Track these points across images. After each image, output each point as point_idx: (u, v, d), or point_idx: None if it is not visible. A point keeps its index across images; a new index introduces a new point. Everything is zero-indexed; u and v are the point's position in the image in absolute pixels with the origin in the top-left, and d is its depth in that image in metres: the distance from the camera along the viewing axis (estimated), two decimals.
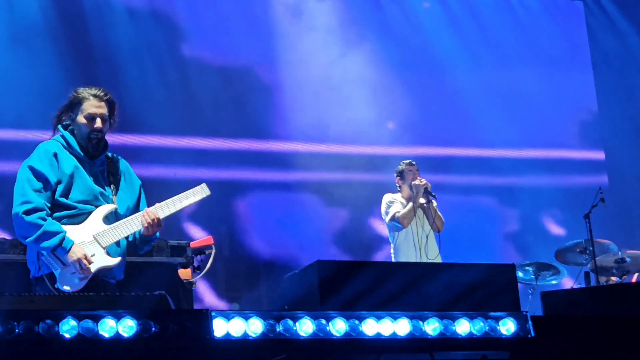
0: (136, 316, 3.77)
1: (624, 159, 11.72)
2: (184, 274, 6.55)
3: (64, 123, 5.06)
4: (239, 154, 10.22)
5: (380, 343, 4.11)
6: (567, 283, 9.56)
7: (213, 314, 3.89)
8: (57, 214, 4.85)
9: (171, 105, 9.93)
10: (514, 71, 11.54)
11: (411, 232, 7.98)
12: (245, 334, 3.93)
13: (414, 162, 8.23)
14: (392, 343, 4.13)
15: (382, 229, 9.46)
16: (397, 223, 7.98)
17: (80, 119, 4.99)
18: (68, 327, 3.68)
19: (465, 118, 11.18)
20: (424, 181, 8.03)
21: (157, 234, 5.10)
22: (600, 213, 8.78)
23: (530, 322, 4.31)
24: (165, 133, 9.87)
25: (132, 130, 9.38)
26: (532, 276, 8.95)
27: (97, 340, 3.70)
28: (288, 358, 4.02)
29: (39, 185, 4.85)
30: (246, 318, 3.94)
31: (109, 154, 5.14)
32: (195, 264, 6.72)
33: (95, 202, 4.95)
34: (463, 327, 4.23)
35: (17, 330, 3.62)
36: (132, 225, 4.98)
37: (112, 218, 4.98)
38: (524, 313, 4.34)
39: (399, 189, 8.25)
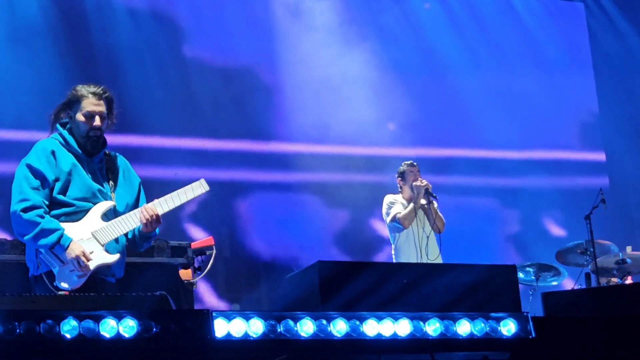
0: (137, 316, 3.77)
1: (625, 160, 11.72)
2: (185, 274, 6.55)
3: (61, 121, 5.05)
4: (239, 154, 10.23)
5: (381, 344, 4.11)
6: (568, 284, 9.56)
7: (214, 314, 3.89)
8: (55, 212, 4.84)
9: (172, 105, 9.93)
10: (514, 72, 11.55)
11: (412, 233, 7.98)
12: (246, 335, 3.92)
13: (415, 163, 8.23)
14: (392, 343, 4.12)
15: (383, 229, 9.46)
16: (398, 224, 7.99)
17: (79, 116, 4.98)
18: (69, 328, 3.68)
19: (465, 119, 11.18)
20: (424, 182, 8.03)
21: (157, 231, 5.08)
22: (601, 214, 8.78)
23: (531, 323, 4.30)
24: (166, 133, 9.87)
25: (133, 130, 9.38)
26: (533, 277, 8.95)
27: (98, 341, 3.70)
28: (289, 358, 4.02)
29: (36, 183, 4.84)
30: (247, 318, 3.94)
31: (108, 151, 5.13)
32: (196, 265, 6.71)
33: (93, 199, 4.94)
34: (464, 327, 4.23)
35: (18, 331, 3.62)
36: (131, 221, 4.96)
37: (110, 215, 4.96)
38: (525, 314, 4.34)
39: (400, 189, 8.25)
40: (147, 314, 3.80)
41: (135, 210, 5.00)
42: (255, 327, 3.94)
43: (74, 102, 5.00)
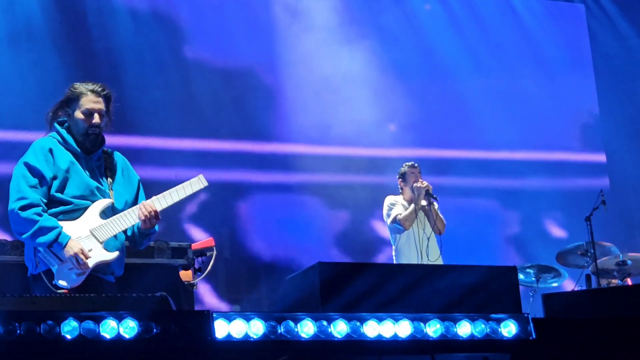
0: (137, 317, 3.77)
1: (625, 161, 11.72)
2: (185, 275, 6.54)
3: (59, 120, 5.04)
4: (239, 155, 10.22)
5: (381, 345, 4.11)
6: (568, 285, 9.56)
7: (214, 315, 3.89)
8: (53, 210, 4.83)
9: (172, 106, 9.93)
10: (515, 73, 11.55)
11: (412, 234, 7.98)
12: (247, 335, 3.92)
13: (416, 165, 8.23)
14: (393, 345, 4.12)
15: (383, 230, 9.46)
16: (399, 225, 7.99)
17: (78, 114, 4.97)
18: (69, 328, 3.68)
19: (466, 120, 11.19)
20: (425, 183, 8.03)
21: (156, 228, 5.06)
22: (602, 215, 8.78)
23: (531, 324, 4.30)
24: (166, 134, 9.87)
25: (133, 131, 9.40)
26: (533, 278, 8.95)
27: (98, 341, 3.70)
28: (289, 359, 4.02)
29: (34, 181, 4.83)
30: (247, 319, 3.94)
31: (106, 149, 5.12)
32: (197, 266, 6.71)
33: (91, 197, 4.93)
34: (464, 328, 4.23)
35: (18, 331, 3.62)
36: (129, 218, 4.95)
37: (109, 213, 4.95)
38: (525, 315, 4.34)
39: (400, 191, 8.25)
40: (148, 315, 3.79)
41: (134, 207, 4.99)
42: (256, 328, 3.94)
43: (73, 100, 5.00)
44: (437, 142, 11.06)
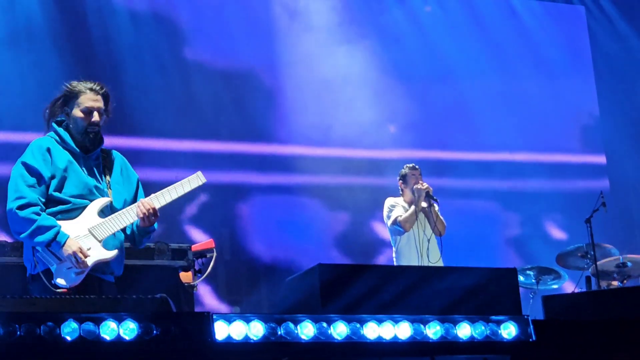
0: (137, 319, 3.77)
1: (626, 163, 11.72)
2: (185, 277, 6.54)
3: (57, 119, 5.03)
4: (240, 156, 10.22)
5: (381, 346, 4.11)
6: (568, 287, 9.56)
7: (214, 316, 3.89)
8: (51, 210, 4.82)
9: (173, 108, 9.94)
10: (515, 74, 11.56)
11: (413, 236, 7.98)
12: (247, 337, 3.92)
13: (417, 166, 8.23)
14: (393, 346, 4.12)
15: (384, 232, 9.46)
16: (399, 227, 7.99)
17: (77, 112, 4.96)
18: (69, 330, 3.68)
19: (466, 121, 11.19)
20: (425, 185, 8.03)
21: (155, 226, 5.04)
22: (602, 217, 8.78)
23: (531, 326, 4.30)
24: (167, 136, 9.87)
25: (134, 133, 9.41)
26: (533, 280, 8.95)
27: (98, 343, 3.70)
28: None
29: (32, 180, 4.81)
30: (247, 321, 3.94)
31: (104, 148, 5.11)
32: (197, 267, 6.71)
33: (90, 196, 4.91)
34: (464, 330, 4.23)
35: (18, 333, 3.62)
36: (128, 217, 4.92)
37: (107, 211, 4.93)
38: (525, 317, 4.34)
39: (401, 192, 8.25)
40: (148, 317, 3.79)
41: (132, 205, 4.96)
42: (256, 329, 3.94)
43: (71, 98, 4.99)
44: (437, 143, 11.06)
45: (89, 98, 4.98)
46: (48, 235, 4.71)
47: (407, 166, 8.26)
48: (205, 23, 10.37)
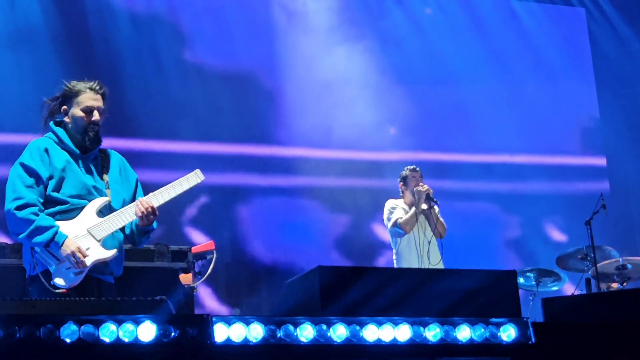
0: (137, 321, 3.77)
1: (626, 165, 11.73)
2: (185, 279, 6.54)
3: (55, 120, 5.02)
4: (240, 158, 10.23)
5: (380, 349, 4.11)
6: (568, 289, 9.55)
7: (214, 319, 3.89)
8: (50, 210, 4.80)
9: (173, 109, 9.94)
10: (515, 77, 11.57)
11: (413, 238, 7.98)
12: (246, 340, 3.92)
13: (417, 168, 8.23)
14: (392, 349, 4.12)
15: (384, 234, 9.46)
16: (399, 229, 7.98)
17: (77, 111, 4.95)
18: (69, 332, 3.68)
19: (467, 124, 11.20)
20: (425, 187, 8.03)
21: (155, 225, 5.02)
22: (602, 219, 8.78)
23: (531, 329, 4.30)
24: (167, 138, 9.88)
25: (134, 135, 9.42)
26: (533, 282, 8.94)
27: (97, 345, 3.70)
28: None
29: (30, 181, 4.80)
30: (247, 323, 3.94)
31: (102, 148, 5.09)
32: (197, 269, 6.71)
33: (88, 196, 4.89)
34: (464, 333, 4.23)
35: (18, 335, 3.62)
36: (126, 216, 4.91)
37: (106, 211, 4.92)
38: (525, 319, 4.34)
39: (401, 194, 8.25)
40: (147, 319, 3.79)
41: (131, 205, 4.95)
42: (255, 332, 3.94)
43: (71, 97, 4.98)
44: (437, 145, 11.06)
45: (89, 97, 4.98)
46: (46, 236, 4.70)
47: (407, 168, 8.26)
48: (205, 25, 10.38)
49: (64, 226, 4.78)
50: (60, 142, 4.95)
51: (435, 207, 8.10)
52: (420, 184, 8.08)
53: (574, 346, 4.44)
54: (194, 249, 6.74)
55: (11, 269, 6.00)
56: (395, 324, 4.14)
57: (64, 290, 4.70)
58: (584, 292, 8.49)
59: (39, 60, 9.30)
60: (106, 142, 5.13)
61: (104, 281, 4.93)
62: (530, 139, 11.43)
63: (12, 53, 9.33)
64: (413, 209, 8.00)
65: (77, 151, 4.95)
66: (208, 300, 9.53)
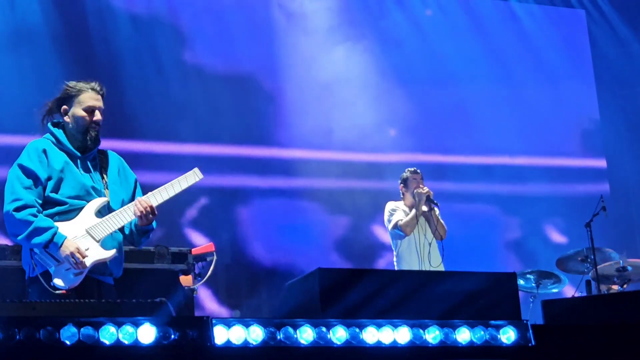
0: (137, 323, 3.77)
1: (626, 167, 11.73)
2: (185, 280, 6.54)
3: (53, 121, 5.01)
4: (240, 160, 10.23)
5: (380, 351, 4.11)
6: (569, 291, 9.56)
7: (214, 321, 3.89)
8: (48, 211, 4.80)
9: (173, 111, 9.94)
10: (516, 78, 11.57)
11: (414, 240, 7.98)
12: (246, 342, 3.92)
13: (418, 171, 8.23)
14: (392, 351, 4.12)
15: (384, 236, 9.46)
16: (400, 231, 7.98)
17: (79, 111, 4.94)
18: (69, 334, 3.68)
19: (467, 125, 11.20)
20: (426, 189, 8.04)
21: (154, 224, 5.02)
22: (602, 221, 8.78)
23: (530, 331, 4.30)
24: (167, 139, 9.88)
25: (134, 136, 9.43)
26: (534, 284, 8.95)
27: (97, 347, 3.70)
28: None
29: (29, 182, 4.79)
30: (247, 325, 3.94)
31: (101, 149, 5.08)
32: (197, 271, 6.70)
33: (87, 197, 4.88)
34: (463, 335, 4.23)
35: (18, 337, 3.62)
36: (125, 216, 4.90)
37: (104, 212, 4.90)
38: (525, 322, 4.34)
39: (402, 196, 8.25)
40: (147, 321, 3.79)
41: (130, 204, 4.94)
42: (255, 334, 3.94)
43: (72, 97, 4.97)
44: (437, 147, 11.07)
45: (91, 97, 4.97)
46: (45, 237, 4.69)
47: (408, 170, 8.26)
48: (205, 26, 10.38)
49: (62, 227, 4.77)
50: (59, 143, 4.94)
51: (436, 209, 8.10)
52: (421, 186, 8.08)
53: (574, 349, 4.43)
54: (194, 251, 6.73)
55: (11, 270, 5.99)
56: (395, 326, 4.14)
57: (64, 291, 4.69)
58: (584, 294, 8.49)
59: (39, 61, 9.31)
60: (106, 144, 5.13)
61: (104, 282, 4.92)
62: (530, 140, 11.44)
63: (12, 53, 9.34)
64: (413, 211, 8.00)
65: (76, 152, 4.94)
66: (208, 302, 9.53)
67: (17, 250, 6.00)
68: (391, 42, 11.14)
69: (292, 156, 10.49)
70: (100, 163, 5.05)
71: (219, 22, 10.43)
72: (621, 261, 8.69)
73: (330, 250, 10.32)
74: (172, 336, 3.80)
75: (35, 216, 4.73)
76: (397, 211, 8.09)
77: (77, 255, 4.70)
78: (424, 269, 7.76)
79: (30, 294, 4.82)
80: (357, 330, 4.08)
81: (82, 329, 3.70)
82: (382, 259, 10.21)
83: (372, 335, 4.11)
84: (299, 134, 10.48)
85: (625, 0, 12.16)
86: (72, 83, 5.02)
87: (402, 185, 8.25)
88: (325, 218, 10.41)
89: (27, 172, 4.82)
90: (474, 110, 11.23)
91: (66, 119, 4.98)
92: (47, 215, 4.78)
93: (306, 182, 10.49)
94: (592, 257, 8.54)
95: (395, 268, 8.04)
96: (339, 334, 4.06)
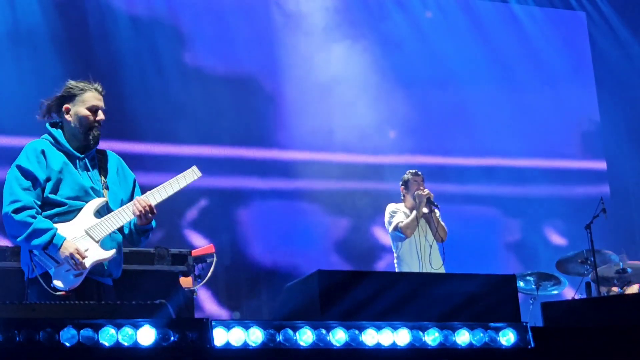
0: (136, 325, 3.77)
1: (626, 169, 11.73)
2: (185, 282, 6.54)
3: (51, 121, 4.99)
4: (240, 161, 10.23)
5: (380, 353, 4.11)
6: (568, 293, 9.56)
7: (213, 323, 3.89)
8: (47, 212, 4.78)
9: (173, 112, 9.94)
10: (516, 80, 11.57)
11: (414, 242, 7.98)
12: (245, 344, 3.92)
13: (419, 173, 8.23)
14: (391, 353, 4.12)
15: (384, 237, 9.47)
16: (400, 233, 7.98)
17: (82, 110, 4.92)
18: (68, 336, 3.68)
19: (467, 127, 11.20)
20: (426, 191, 8.04)
21: (154, 224, 5.00)
22: (602, 223, 8.78)
23: (530, 333, 4.30)
24: (168, 140, 9.88)
25: (134, 137, 9.43)
26: (533, 286, 8.95)
27: (97, 349, 3.70)
28: None
29: (27, 183, 4.77)
30: (246, 327, 3.94)
31: (99, 149, 5.06)
32: (197, 273, 6.70)
33: (86, 197, 4.86)
34: (463, 337, 4.23)
35: (17, 339, 3.62)
36: (124, 215, 4.88)
37: (103, 212, 4.88)
38: (524, 324, 4.34)
39: (402, 198, 8.25)
40: (147, 323, 3.80)
41: (129, 204, 4.92)
42: (255, 336, 3.94)
43: (75, 96, 4.94)
44: (437, 148, 11.07)
45: (94, 97, 4.96)
46: (44, 238, 4.67)
47: (409, 172, 8.26)
48: (205, 27, 10.39)
49: (62, 228, 4.75)
50: (57, 144, 4.92)
51: (436, 211, 8.10)
52: (421, 187, 8.08)
53: (574, 351, 4.43)
54: (194, 252, 6.73)
55: (11, 271, 5.99)
56: (395, 328, 4.14)
57: (64, 292, 4.68)
58: (584, 296, 8.49)
59: (39, 62, 9.31)
60: (106, 145, 5.12)
61: (103, 284, 4.91)
62: (531, 142, 11.44)
63: (12, 54, 9.34)
64: (414, 213, 8.01)
65: (74, 152, 4.93)
66: (208, 303, 9.53)
67: (16, 252, 5.98)
68: (391, 43, 11.14)
69: (293, 158, 10.49)
70: (99, 163, 5.03)
71: (219, 23, 10.43)
72: (621, 263, 8.69)
73: (330, 251, 10.32)
74: (172, 338, 3.80)
75: (34, 217, 4.71)
76: (397, 213, 8.09)
77: (77, 256, 4.68)
78: (424, 271, 7.76)
79: (29, 295, 4.80)
80: (357, 332, 4.08)
81: (81, 331, 3.70)
82: (382, 260, 10.21)
83: (372, 337, 4.11)
84: (299, 135, 10.48)
85: (626, 2, 12.16)
86: (74, 82, 5.01)
87: (403, 187, 8.25)
88: (325, 219, 10.41)
89: (26, 174, 4.80)
90: (474, 112, 11.23)
91: (67, 117, 4.95)
92: (47, 217, 4.77)
93: (306, 184, 10.49)
94: (592, 259, 8.54)
95: (396, 270, 8.04)
96: (338, 336, 4.07)
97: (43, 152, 4.87)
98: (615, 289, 8.70)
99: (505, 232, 11.23)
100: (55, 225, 4.75)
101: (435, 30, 11.44)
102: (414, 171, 8.25)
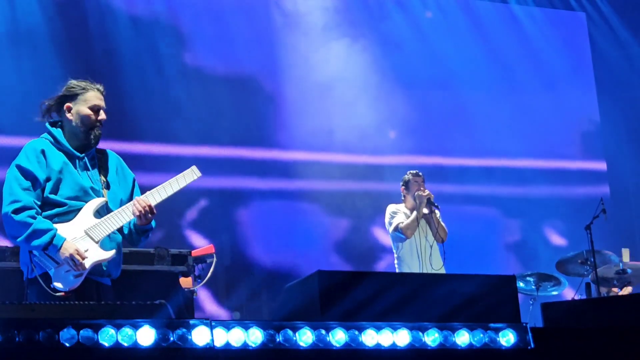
0: (136, 325, 3.77)
1: (626, 169, 11.73)
2: (185, 282, 6.54)
3: (51, 121, 4.98)
4: (240, 162, 10.23)
5: (379, 354, 4.10)
6: (568, 294, 9.55)
7: (213, 323, 3.89)
8: (47, 212, 4.76)
9: (173, 113, 9.94)
10: (516, 81, 11.57)
11: (415, 242, 7.99)
12: (245, 344, 3.92)
13: (420, 173, 8.23)
14: (391, 354, 4.12)
15: (384, 238, 9.46)
16: (401, 234, 7.98)
17: (84, 109, 4.90)
18: (68, 336, 3.68)
19: (467, 128, 11.20)
20: (426, 191, 8.04)
21: (153, 224, 4.98)
22: (602, 224, 8.78)
23: (530, 334, 4.30)
24: (168, 141, 9.88)
25: (134, 137, 9.42)
26: (533, 287, 8.95)
27: (96, 349, 3.70)
28: None
29: (27, 183, 4.75)
30: (246, 328, 3.94)
31: (99, 149, 5.05)
32: (197, 273, 6.70)
33: (85, 197, 4.84)
34: (463, 338, 4.23)
35: (17, 339, 3.62)
36: (124, 216, 4.86)
37: (103, 212, 4.87)
38: (524, 324, 4.34)
39: (403, 199, 8.25)
40: (146, 323, 3.79)
41: (128, 204, 4.91)
42: (254, 336, 3.94)
43: (77, 95, 4.93)
44: (437, 149, 11.07)
45: (96, 96, 4.95)
46: (44, 239, 4.66)
47: (410, 172, 8.26)
48: (205, 27, 10.39)
49: (61, 228, 4.74)
50: (57, 143, 4.91)
51: (437, 211, 8.11)
52: (422, 188, 8.08)
53: (574, 351, 4.43)
54: (194, 253, 6.73)
55: (11, 272, 5.99)
56: (394, 329, 4.14)
57: (64, 293, 4.68)
58: (584, 296, 8.49)
59: (39, 62, 9.31)
60: (106, 145, 5.12)
61: (103, 284, 4.90)
62: (531, 142, 11.44)
63: (12, 54, 9.34)
64: (414, 213, 8.01)
65: (74, 152, 4.91)
66: (208, 303, 9.53)
67: (16, 252, 5.97)
68: (391, 43, 11.15)
69: (293, 158, 10.49)
70: (99, 162, 5.01)
71: (218, 24, 10.43)
72: (621, 263, 8.69)
73: (330, 252, 10.32)
74: (172, 338, 3.80)
75: (34, 218, 4.70)
76: (398, 214, 8.09)
77: (77, 257, 4.67)
78: (425, 271, 7.76)
79: (28, 295, 4.79)
80: (357, 332, 4.08)
81: (81, 331, 3.69)
82: (382, 261, 10.21)
83: (372, 337, 4.10)
84: (299, 136, 10.48)
85: (626, 2, 12.16)
86: (76, 81, 4.99)
87: (403, 187, 8.25)
88: (325, 220, 10.41)
89: (26, 173, 4.78)
90: (474, 113, 11.23)
91: (69, 116, 4.93)
92: (47, 217, 4.75)
93: (306, 184, 10.49)
94: (592, 259, 8.54)
95: (396, 270, 8.04)
96: (338, 337, 4.06)
97: (43, 151, 4.85)
98: (615, 290, 8.69)
99: (505, 232, 11.23)
100: (55, 225, 4.73)
101: (435, 31, 11.44)
102: (414, 172, 8.25)
